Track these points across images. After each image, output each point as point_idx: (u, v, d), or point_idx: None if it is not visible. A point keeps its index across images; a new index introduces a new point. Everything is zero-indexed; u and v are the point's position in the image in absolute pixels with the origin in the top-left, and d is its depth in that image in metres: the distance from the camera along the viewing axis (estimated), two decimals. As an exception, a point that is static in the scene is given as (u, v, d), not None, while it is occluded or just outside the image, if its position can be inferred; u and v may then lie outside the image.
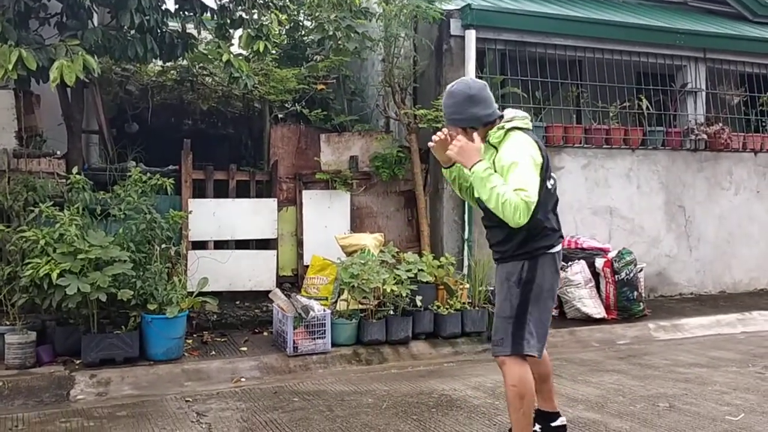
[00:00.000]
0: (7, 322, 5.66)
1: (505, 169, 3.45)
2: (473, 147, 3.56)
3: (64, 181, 6.47)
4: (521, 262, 3.61)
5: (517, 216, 3.36)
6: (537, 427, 3.91)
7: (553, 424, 3.98)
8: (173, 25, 7.26)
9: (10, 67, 5.42)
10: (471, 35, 7.58)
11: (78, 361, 5.53)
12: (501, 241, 3.68)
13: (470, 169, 3.51)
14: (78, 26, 6.18)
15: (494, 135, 3.63)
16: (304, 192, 7.60)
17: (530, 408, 3.62)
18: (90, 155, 8.29)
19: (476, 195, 3.61)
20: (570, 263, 7.55)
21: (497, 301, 3.73)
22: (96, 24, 6.66)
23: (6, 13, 5.86)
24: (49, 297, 5.33)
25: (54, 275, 5.19)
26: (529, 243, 3.59)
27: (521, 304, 3.60)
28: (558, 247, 3.70)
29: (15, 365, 5.36)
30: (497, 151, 3.59)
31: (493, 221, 3.61)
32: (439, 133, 3.75)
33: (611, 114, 8.59)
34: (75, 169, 6.40)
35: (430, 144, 3.81)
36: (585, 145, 8.40)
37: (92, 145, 8.46)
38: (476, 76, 7.63)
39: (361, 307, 6.31)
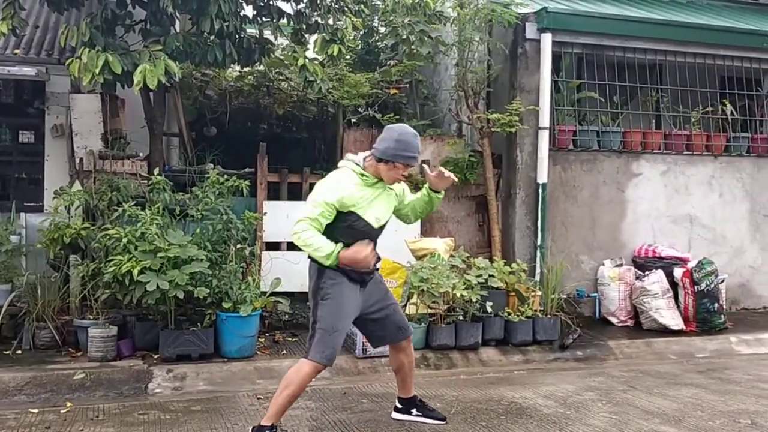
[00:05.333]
0: (91, 317, 5.90)
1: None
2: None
3: (145, 181, 6.71)
4: None
5: None
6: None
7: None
8: (251, 30, 7.45)
9: (97, 71, 5.68)
10: (547, 39, 7.46)
11: (156, 356, 5.72)
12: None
13: (440, 193, 4.32)
14: (161, 32, 6.41)
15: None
16: (375, 195, 7.63)
17: None
18: (170, 157, 8.57)
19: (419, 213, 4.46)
20: (647, 272, 7.34)
21: (394, 299, 4.47)
22: (178, 30, 6.89)
23: (94, 20, 6.14)
24: (130, 293, 5.54)
25: (135, 272, 5.39)
26: None
27: None
28: None
29: (97, 358, 5.58)
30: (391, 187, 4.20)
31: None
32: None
33: (693, 119, 8.29)
34: (156, 171, 6.64)
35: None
36: (664, 151, 8.15)
37: (173, 148, 8.74)
38: (552, 80, 7.54)
39: (430, 311, 6.29)
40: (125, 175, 6.88)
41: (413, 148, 4.02)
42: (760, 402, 5.10)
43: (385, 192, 4.18)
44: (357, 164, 4.09)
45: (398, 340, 4.36)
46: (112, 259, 5.59)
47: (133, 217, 5.92)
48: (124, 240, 5.64)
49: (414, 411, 4.54)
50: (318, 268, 4.05)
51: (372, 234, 4.12)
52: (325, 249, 3.90)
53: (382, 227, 4.20)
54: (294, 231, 3.92)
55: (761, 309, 8.41)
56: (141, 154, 7.40)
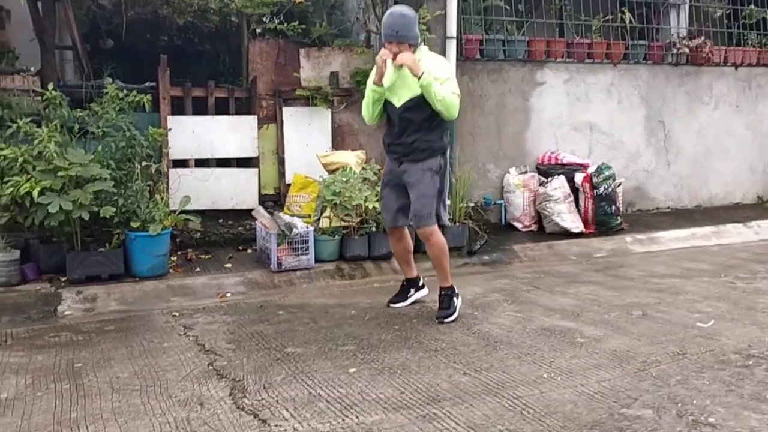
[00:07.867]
0: (-10, 241, 5.67)
1: (443, 80, 4.57)
2: (417, 60, 4.55)
3: (39, 98, 6.35)
4: (437, 157, 4.74)
5: (456, 112, 4.64)
6: (412, 291, 5.27)
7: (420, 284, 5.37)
8: (145, -66, 7.01)
9: (-24, -22, 5.24)
10: (453, -55, 7.37)
11: (64, 279, 5.59)
12: (417, 141, 4.69)
13: (420, 78, 4.47)
14: (45, -65, 5.95)
15: (419, 52, 4.67)
16: (284, 109, 7.52)
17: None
18: (65, 72, 8.13)
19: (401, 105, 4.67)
20: (550, 178, 7.63)
21: (421, 187, 4.72)
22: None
23: None
24: (31, 215, 5.31)
25: (35, 193, 5.17)
26: (441, 142, 4.76)
27: (442, 188, 4.82)
28: None
29: (0, 283, 5.41)
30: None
31: (415, 127, 4.67)
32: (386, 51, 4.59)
33: (594, 28, 8.48)
34: (50, 86, 6.27)
35: (390, 60, 4.56)
36: (567, 60, 8.33)
37: (67, 62, 8.28)
38: (458, -11, 7.49)
39: (343, 224, 6.37)
40: (16, 91, 6.49)
41: (387, 25, 4.58)
42: (651, 295, 5.50)
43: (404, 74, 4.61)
44: None
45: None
46: (9, 181, 5.33)
47: (28, 136, 5.61)
48: (20, 160, 5.36)
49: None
50: None
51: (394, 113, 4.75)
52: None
53: (404, 105, 4.66)
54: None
55: (654, 210, 8.94)
56: (32, 69, 6.98)
